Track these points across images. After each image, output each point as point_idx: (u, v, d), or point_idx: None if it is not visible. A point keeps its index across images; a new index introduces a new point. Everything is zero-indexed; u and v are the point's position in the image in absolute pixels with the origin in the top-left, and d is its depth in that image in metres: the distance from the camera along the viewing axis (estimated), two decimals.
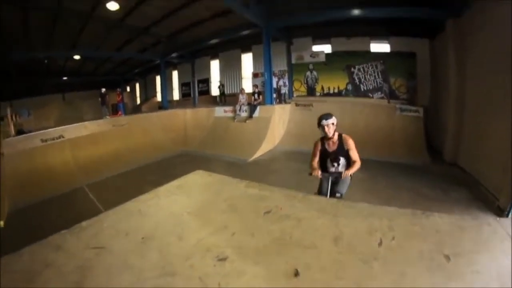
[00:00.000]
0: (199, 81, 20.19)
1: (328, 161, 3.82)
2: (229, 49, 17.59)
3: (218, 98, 17.57)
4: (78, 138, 13.65)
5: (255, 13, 11.80)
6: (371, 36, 12.94)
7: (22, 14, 13.67)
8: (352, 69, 13.16)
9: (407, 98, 12.23)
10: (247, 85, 16.11)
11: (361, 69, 13.00)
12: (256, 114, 12.64)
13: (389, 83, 12.53)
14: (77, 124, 14.53)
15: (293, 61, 14.66)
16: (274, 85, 14.02)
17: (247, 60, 17.02)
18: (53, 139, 12.82)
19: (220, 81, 17.95)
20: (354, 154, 3.73)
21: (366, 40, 13.02)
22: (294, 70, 14.77)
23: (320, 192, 3.85)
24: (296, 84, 14.73)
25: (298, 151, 10.48)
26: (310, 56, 14.17)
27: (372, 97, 12.83)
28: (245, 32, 14.13)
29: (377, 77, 12.74)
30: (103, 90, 16.97)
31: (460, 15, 8.43)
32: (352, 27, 12.69)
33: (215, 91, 18.93)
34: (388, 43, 12.75)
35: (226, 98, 17.18)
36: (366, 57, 12.91)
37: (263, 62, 13.41)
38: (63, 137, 12.79)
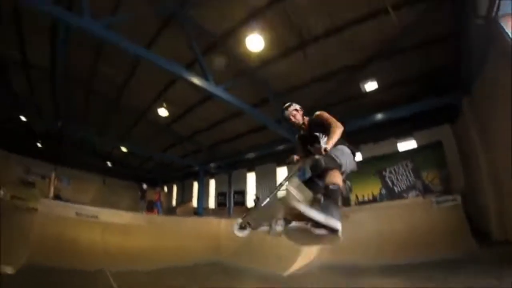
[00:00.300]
0: (235, 192, 21.14)
1: (309, 146, 3.38)
2: (265, 162, 18.77)
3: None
4: (111, 223, 14.31)
5: (287, 129, 12.98)
6: (397, 136, 13.34)
7: (85, 95, 16.12)
8: (383, 173, 13.16)
9: (442, 189, 11.78)
10: None
11: (392, 171, 12.97)
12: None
13: (422, 179, 12.24)
14: (113, 210, 15.58)
15: None
16: None
17: (282, 173, 17.83)
18: (88, 216, 13.70)
19: (256, 194, 18.66)
20: (329, 121, 3.41)
21: (393, 141, 13.41)
22: None
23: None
24: None
25: (337, 265, 10.17)
26: None
27: (407, 197, 12.57)
28: (280, 147, 15.29)
29: (408, 175, 12.59)
30: (145, 186, 18.38)
31: (471, 92, 8.84)
32: (377, 132, 13.17)
33: (250, 202, 19.54)
34: (414, 139, 12.95)
35: None
36: (395, 158, 13.03)
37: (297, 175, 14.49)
38: (97, 217, 13.60)
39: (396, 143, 13.41)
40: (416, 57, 9.73)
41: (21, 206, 14.33)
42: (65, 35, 10.12)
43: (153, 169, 29.18)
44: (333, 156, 3.07)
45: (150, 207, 19.59)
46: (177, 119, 16.81)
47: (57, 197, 14.55)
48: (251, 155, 17.97)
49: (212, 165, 20.92)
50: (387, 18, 8.42)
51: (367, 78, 11.00)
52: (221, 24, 10.33)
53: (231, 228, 3.50)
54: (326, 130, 3.38)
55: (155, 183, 28.60)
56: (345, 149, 3.31)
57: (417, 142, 12.82)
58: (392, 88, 11.30)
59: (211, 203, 23.81)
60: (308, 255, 11.54)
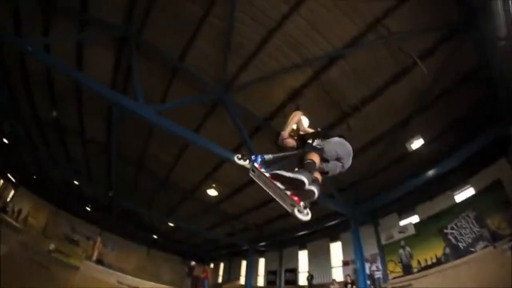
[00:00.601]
0: (286, 270, 20.42)
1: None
2: (317, 238, 18.36)
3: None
4: None
5: (339, 202, 13.15)
6: (452, 188, 12.32)
7: (136, 171, 18.11)
8: (445, 230, 12.01)
9: None
10: (338, 274, 15.73)
11: (454, 226, 11.79)
12: None
13: (488, 226, 10.73)
14: (155, 284, 15.74)
15: (383, 241, 14.21)
16: (367, 271, 13.48)
17: (336, 248, 17.21)
18: (129, 286, 13.93)
19: (309, 272, 17.91)
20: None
21: (449, 195, 12.39)
22: (385, 251, 14.09)
23: None
24: (390, 266, 13.72)
25: None
26: (399, 232, 13.66)
27: (475, 251, 11.02)
28: (332, 222, 15.11)
29: (472, 227, 11.23)
30: (193, 263, 18.77)
31: None
32: (431, 188, 12.46)
33: (302, 280, 18.62)
34: (470, 185, 11.78)
35: None
36: (454, 212, 11.93)
37: (352, 249, 13.61)
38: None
39: (452, 195, 12.43)
40: (453, 100, 9.65)
41: (64, 262, 15.12)
42: (120, 116, 11.96)
43: (199, 245, 29.50)
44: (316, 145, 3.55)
45: (195, 284, 19.47)
46: (226, 198, 17.76)
47: (99, 261, 15.29)
48: (302, 232, 17.86)
49: (261, 243, 20.96)
50: (417, 71, 8.89)
51: (411, 135, 10.97)
52: (264, 106, 11.70)
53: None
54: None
55: (201, 259, 28.54)
56: (334, 139, 3.69)
57: (475, 188, 11.70)
58: (438, 139, 11.06)
59: (260, 282, 22.96)
60: None
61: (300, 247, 20.13)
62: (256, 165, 3.47)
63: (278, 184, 3.03)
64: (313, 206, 10.16)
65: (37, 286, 10.20)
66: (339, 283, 13.97)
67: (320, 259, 17.97)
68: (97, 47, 11.23)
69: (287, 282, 20.04)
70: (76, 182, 21.37)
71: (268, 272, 22.35)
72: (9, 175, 27.60)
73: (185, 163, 15.80)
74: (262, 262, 23.73)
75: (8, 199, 24.71)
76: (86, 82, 9.12)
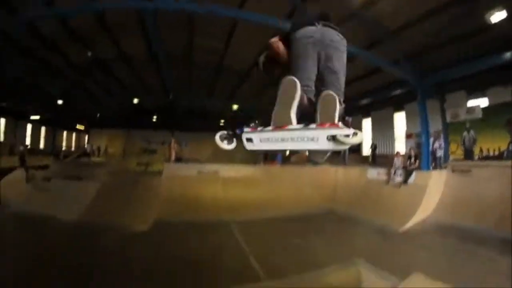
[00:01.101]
0: None
1: None
2: (381, 108, 17.95)
3: (370, 158, 17.68)
4: (231, 177, 16.07)
5: (405, 70, 12.14)
6: None
7: (188, 68, 18.53)
8: None
9: None
10: (400, 146, 15.74)
11: None
12: (411, 180, 12.23)
13: None
14: (232, 165, 17.48)
15: (448, 119, 13.50)
16: (430, 148, 13.30)
17: (400, 119, 16.81)
18: (209, 173, 15.80)
19: (372, 141, 18.28)
20: None
21: None
22: (449, 129, 13.52)
23: None
24: (452, 146, 13.44)
25: (454, 226, 9.63)
26: (466, 113, 12.78)
27: None
28: (397, 91, 14.45)
29: None
30: None
31: None
32: (508, 72, 10.85)
33: (366, 150, 19.31)
34: None
35: (377, 159, 17.18)
36: None
37: (417, 121, 13.23)
38: (217, 173, 15.62)
39: None
40: None
41: (148, 171, 17.44)
42: (154, 23, 11.20)
43: None
44: None
45: (266, 157, 20.81)
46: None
47: (178, 159, 17.11)
48: (365, 101, 17.36)
49: None
50: None
51: (494, 5, 8.79)
52: None
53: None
54: None
55: None
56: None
57: None
58: None
59: None
60: (425, 210, 11.26)
61: (364, 116, 20.02)
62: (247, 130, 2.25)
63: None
64: (376, 73, 11.79)
65: (134, 200, 12.49)
66: (402, 155, 13.86)
67: (384, 129, 17.87)
68: None
69: (351, 151, 20.69)
70: (135, 101, 22.65)
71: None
72: (77, 126, 31.32)
73: (236, 45, 15.31)
74: None
75: (86, 145, 29.49)
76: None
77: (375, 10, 10.98)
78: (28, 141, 27.95)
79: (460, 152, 13.12)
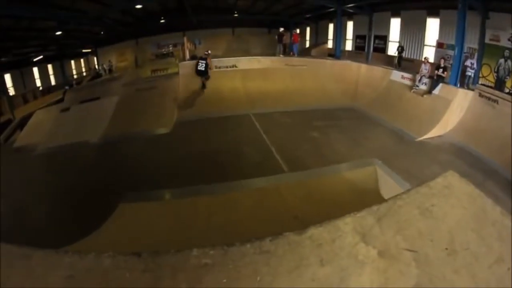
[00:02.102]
0: (376, 37, 20.31)
1: None
2: (413, 8, 16.76)
3: (395, 60, 17.37)
4: (250, 70, 16.23)
5: None
6: None
7: None
8: None
9: None
10: (429, 54, 15.34)
11: None
12: (436, 91, 12.39)
13: None
14: (251, 57, 17.57)
15: (486, 39, 12.66)
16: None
17: (432, 25, 15.87)
18: (227, 67, 16.20)
19: (400, 43, 17.71)
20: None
21: None
22: (485, 51, 12.79)
23: None
24: (484, 70, 12.93)
25: (468, 150, 9.92)
26: (508, 40, 11.77)
27: None
28: None
29: None
30: (282, 29, 19.62)
31: None
32: None
33: (391, 51, 18.83)
34: None
35: (403, 63, 16.96)
36: None
37: (453, 32, 12.68)
38: (236, 66, 16.00)
39: None
40: None
41: (164, 75, 17.85)
42: None
43: (281, 12, 29.34)
44: None
45: (285, 49, 20.73)
46: None
47: (193, 57, 17.41)
48: None
49: (350, 4, 19.87)
50: None
51: None
52: None
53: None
54: None
55: (286, 26, 29.20)
56: None
57: None
58: None
59: (348, 46, 23.72)
60: (444, 127, 11.65)
61: (393, 14, 18.85)
62: None
63: None
64: None
65: (153, 105, 13.17)
66: (431, 63, 13.63)
67: (414, 32, 17.12)
68: None
69: (376, 49, 20.53)
70: (138, 6, 21.25)
71: (357, 37, 22.59)
72: (84, 50, 30.50)
73: None
74: (350, 25, 23.45)
75: (96, 66, 29.76)
76: None
77: None
78: (38, 83, 28.53)
79: (491, 79, 12.81)
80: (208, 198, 6.31)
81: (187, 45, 19.49)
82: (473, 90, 11.93)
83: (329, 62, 18.54)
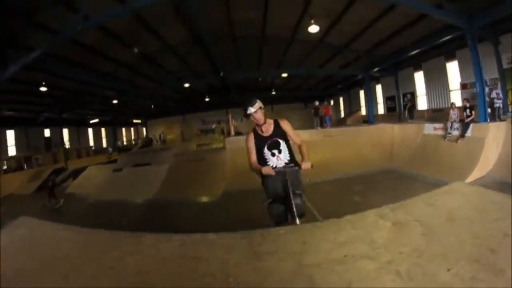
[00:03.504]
0: (404, 95, 20.19)
1: (266, 149, 3.52)
2: (431, 57, 16.88)
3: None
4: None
5: (451, 13, 11.31)
6: None
7: (232, 43, 18.70)
8: None
9: None
10: (456, 98, 14.86)
11: None
12: (469, 133, 11.73)
13: None
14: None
15: (505, 65, 12.23)
16: (487, 98, 12.24)
17: (453, 69, 15.72)
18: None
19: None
20: (296, 136, 3.55)
21: None
22: (506, 76, 12.32)
23: (274, 196, 3.46)
24: (511, 96, 12.32)
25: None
26: None
27: None
28: (446, 37, 13.43)
29: None
30: (317, 103, 20.09)
31: None
32: None
33: (421, 105, 18.46)
34: None
35: (433, 113, 16.43)
36: None
37: (471, 70, 12.15)
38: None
39: None
40: None
41: (210, 149, 18.73)
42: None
43: (315, 86, 30.95)
44: (300, 179, 3.43)
45: (321, 121, 20.92)
46: (328, 30, 16.72)
47: (238, 133, 18.21)
48: (415, 51, 16.30)
49: (375, 69, 20.32)
50: None
51: None
52: None
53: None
54: (287, 140, 3.54)
55: (320, 99, 30.17)
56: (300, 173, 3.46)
57: None
58: None
59: (380, 109, 23.78)
60: (484, 167, 10.82)
61: (415, 68, 18.99)
62: None
63: None
64: (422, 19, 12.39)
65: (202, 176, 13.70)
66: (458, 108, 13.11)
67: (437, 81, 16.85)
68: None
69: (406, 106, 19.98)
70: (186, 85, 23.80)
71: (387, 98, 22.62)
72: (134, 120, 34.03)
73: (274, 12, 15.06)
74: (379, 88, 23.82)
75: (145, 136, 33.78)
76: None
77: None
78: (91, 142, 32.46)
79: None
80: None
81: (232, 122, 20.66)
82: (504, 120, 11.28)
83: (364, 128, 18.64)
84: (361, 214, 2.26)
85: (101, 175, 16.19)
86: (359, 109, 26.97)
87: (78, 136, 31.35)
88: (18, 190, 17.66)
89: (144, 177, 14.42)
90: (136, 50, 16.69)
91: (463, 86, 14.50)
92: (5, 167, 18.81)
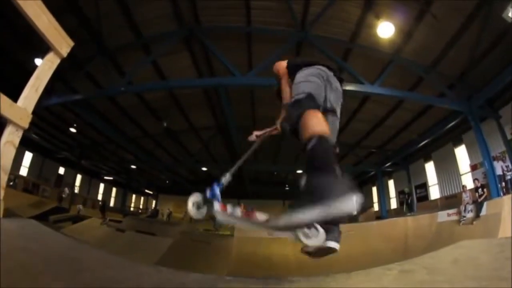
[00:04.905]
0: (416, 187, 20.41)
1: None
2: (440, 146, 17.67)
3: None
4: None
5: (452, 99, 12.40)
6: None
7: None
8: None
9: None
10: (468, 181, 15.00)
11: None
12: (483, 211, 11.66)
13: None
14: None
15: (509, 136, 12.71)
16: (499, 172, 12.59)
17: (461, 153, 16.35)
18: (276, 236, 16.07)
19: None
20: (278, 76, 2.48)
21: None
22: None
23: None
24: None
25: None
26: None
27: None
28: (452, 123, 14.27)
29: None
30: None
31: None
32: None
33: (433, 195, 18.59)
34: None
35: (445, 201, 16.49)
36: None
37: (478, 150, 12.79)
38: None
39: None
40: None
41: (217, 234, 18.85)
42: (226, 95, 13.39)
43: None
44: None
45: None
46: (343, 128, 17.82)
47: None
48: (424, 142, 17.30)
49: (387, 164, 21.20)
50: None
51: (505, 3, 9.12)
52: (345, 26, 11.64)
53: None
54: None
55: None
56: (307, 74, 2.09)
57: None
58: None
59: (393, 204, 23.63)
60: (505, 245, 10.15)
61: (425, 159, 19.72)
62: (216, 204, 2.31)
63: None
64: (427, 111, 13.90)
65: (205, 257, 13.48)
66: (470, 190, 13.28)
67: (448, 168, 17.33)
68: (170, 56, 13.03)
69: (419, 199, 20.08)
70: (204, 169, 24.80)
71: (399, 193, 22.74)
72: (147, 190, 35.19)
73: None
74: (391, 183, 24.14)
75: (154, 208, 34.03)
76: (179, 84, 12.52)
77: (408, 51, 12.08)
78: (99, 197, 32.54)
79: None
80: None
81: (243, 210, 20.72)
82: None
83: (375, 223, 18.48)
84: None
85: (103, 230, 16.03)
86: (372, 205, 26.89)
87: (89, 187, 31.65)
88: (15, 209, 17.18)
89: (145, 245, 14.15)
90: (164, 124, 18.17)
91: (473, 168, 14.83)
92: (12, 182, 18.39)
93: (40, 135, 21.52)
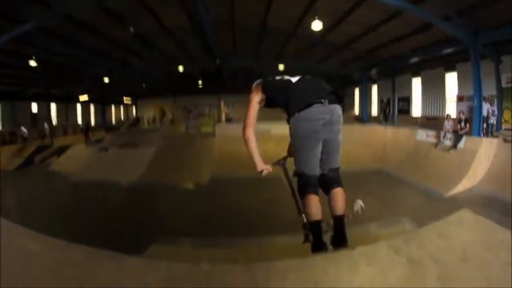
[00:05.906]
0: (400, 99, 20.56)
1: None
2: (431, 67, 17.18)
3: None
4: (282, 135, 16.99)
5: (457, 27, 11.54)
6: None
7: (232, 32, 18.65)
8: None
9: None
10: (451, 108, 15.32)
11: None
12: (461, 145, 12.10)
13: None
14: (284, 124, 18.27)
15: (503, 84, 12.56)
16: (484, 113, 12.75)
17: (451, 80, 16.11)
18: (261, 131, 16.61)
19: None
20: None
21: None
22: (504, 95, 12.62)
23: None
24: (506, 114, 12.59)
25: (500, 200, 9.28)
26: None
27: None
28: (448, 50, 13.77)
29: None
30: None
31: None
32: None
33: (415, 112, 18.87)
34: None
35: (427, 121, 16.85)
36: None
37: (470, 83, 12.64)
38: (269, 131, 16.27)
39: None
40: None
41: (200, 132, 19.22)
42: None
43: None
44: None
45: None
46: (332, 28, 16.64)
47: (228, 120, 18.22)
48: (415, 59, 16.70)
49: (373, 70, 20.59)
50: None
51: None
52: None
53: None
54: None
55: None
56: (303, 134, 2.36)
57: None
58: None
59: (374, 111, 24.02)
60: (472, 179, 11.04)
61: (413, 75, 19.33)
62: None
63: None
64: (426, 29, 12.53)
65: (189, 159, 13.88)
66: (453, 119, 13.39)
67: (434, 90, 17.25)
68: None
69: (400, 111, 20.44)
70: (181, 69, 23.41)
71: (381, 101, 22.89)
72: (125, 99, 33.81)
73: (277, 5, 14.92)
74: (374, 89, 24.08)
75: (134, 114, 33.61)
76: None
77: None
78: (79, 120, 31.95)
79: None
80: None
81: (223, 109, 20.52)
82: (497, 137, 11.56)
83: (358, 127, 18.70)
84: (375, 246, 2.17)
85: (87, 154, 15.94)
86: (352, 107, 27.14)
87: (67, 112, 30.65)
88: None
89: (130, 159, 14.28)
90: (132, 29, 16.21)
91: (459, 99, 14.97)
92: None
93: (1, 82, 20.02)
